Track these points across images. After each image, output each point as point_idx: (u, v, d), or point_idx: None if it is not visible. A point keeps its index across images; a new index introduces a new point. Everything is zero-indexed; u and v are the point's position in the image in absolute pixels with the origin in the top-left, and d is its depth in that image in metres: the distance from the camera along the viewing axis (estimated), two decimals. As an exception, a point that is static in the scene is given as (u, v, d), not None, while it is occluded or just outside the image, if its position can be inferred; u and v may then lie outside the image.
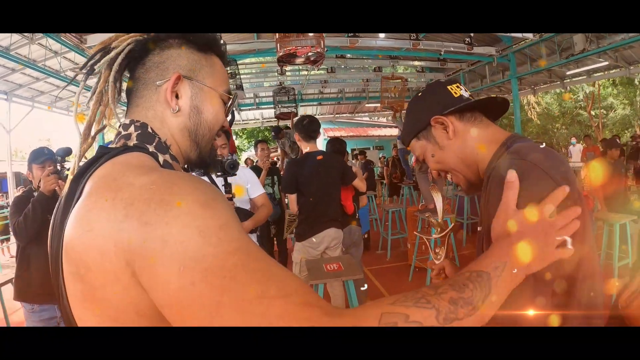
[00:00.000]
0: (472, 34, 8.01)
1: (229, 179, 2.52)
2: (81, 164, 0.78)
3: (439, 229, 1.39)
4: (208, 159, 0.91)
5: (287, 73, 11.14)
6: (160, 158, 0.78)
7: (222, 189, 2.58)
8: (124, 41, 0.82)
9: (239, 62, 9.37)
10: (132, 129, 0.80)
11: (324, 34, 5.66)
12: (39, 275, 2.53)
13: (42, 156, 2.72)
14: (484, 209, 1.03)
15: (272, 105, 10.75)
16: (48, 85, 10.01)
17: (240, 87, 9.58)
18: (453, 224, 2.25)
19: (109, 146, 0.78)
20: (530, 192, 0.84)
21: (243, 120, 17.18)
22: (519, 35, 8.14)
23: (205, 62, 0.86)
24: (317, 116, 15.57)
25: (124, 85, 0.86)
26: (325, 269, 3.02)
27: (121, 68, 0.83)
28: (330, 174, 3.56)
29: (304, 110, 15.09)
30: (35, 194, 2.57)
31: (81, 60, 8.14)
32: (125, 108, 0.87)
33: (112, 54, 0.81)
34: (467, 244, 7.05)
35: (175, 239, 0.55)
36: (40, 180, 2.52)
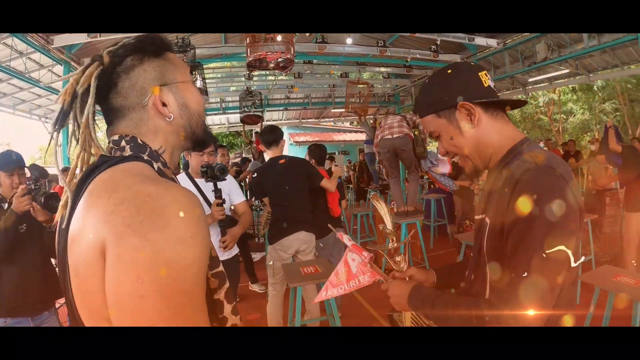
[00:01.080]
0: (438, 42, 8.18)
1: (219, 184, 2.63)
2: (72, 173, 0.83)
3: (393, 238, 1.38)
4: (203, 137, 0.97)
5: (254, 78, 11.08)
6: (155, 166, 0.83)
7: (212, 194, 2.69)
8: (86, 81, 0.81)
9: (205, 66, 9.24)
10: (123, 143, 0.84)
11: (294, 40, 5.69)
12: (11, 288, 2.43)
13: (10, 163, 2.50)
14: (489, 200, 1.12)
15: (239, 110, 10.63)
16: (11, 87, 9.52)
17: (205, 91, 9.43)
18: (413, 230, 2.28)
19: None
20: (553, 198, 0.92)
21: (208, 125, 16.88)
22: (484, 43, 8.38)
23: (166, 62, 0.89)
24: (283, 121, 15.66)
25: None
26: (302, 272, 3.05)
27: (94, 107, 0.83)
28: (295, 177, 3.61)
29: (270, 115, 15.04)
30: (4, 205, 2.46)
31: (47, 61, 7.84)
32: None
33: (89, 100, 0.80)
34: (434, 246, 7.19)
35: (146, 255, 0.61)
36: (12, 193, 2.38)
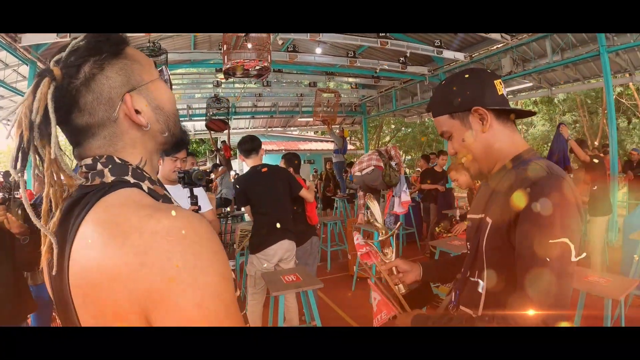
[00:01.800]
0: (407, 54, 8.34)
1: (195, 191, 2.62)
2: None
3: (382, 232, 1.49)
4: (181, 136, 0.89)
5: (222, 85, 10.99)
6: (144, 187, 0.75)
7: (188, 200, 2.65)
8: (41, 106, 0.67)
9: (171, 72, 9.10)
10: (99, 166, 0.74)
11: (270, 49, 5.69)
12: None
13: None
14: (490, 201, 1.17)
15: (205, 117, 10.48)
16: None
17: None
18: (399, 223, 2.39)
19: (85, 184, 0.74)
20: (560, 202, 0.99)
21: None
22: (451, 56, 8.62)
23: (127, 61, 0.78)
24: (249, 129, 15.57)
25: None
26: (283, 280, 3.04)
27: (57, 138, 0.70)
28: (278, 185, 3.63)
29: (237, 123, 14.94)
30: None
31: (13, 61, 7.40)
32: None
33: (52, 130, 0.69)
34: (403, 254, 7.28)
35: (201, 303, 0.59)
36: None
